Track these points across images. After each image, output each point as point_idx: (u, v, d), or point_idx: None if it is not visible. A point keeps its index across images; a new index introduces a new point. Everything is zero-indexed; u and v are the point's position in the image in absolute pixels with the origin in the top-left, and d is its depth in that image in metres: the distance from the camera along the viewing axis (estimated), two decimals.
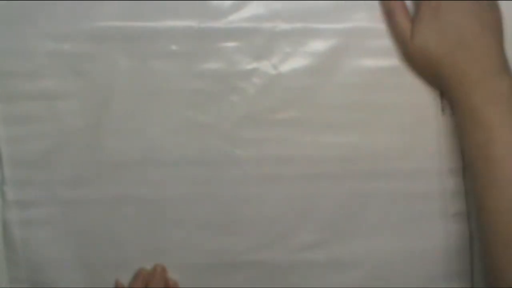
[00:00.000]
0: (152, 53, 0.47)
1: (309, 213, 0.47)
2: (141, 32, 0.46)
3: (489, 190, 0.40)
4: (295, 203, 0.47)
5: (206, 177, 0.47)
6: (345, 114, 0.46)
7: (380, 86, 0.46)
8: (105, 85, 0.47)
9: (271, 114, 0.47)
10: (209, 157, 0.47)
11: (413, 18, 0.44)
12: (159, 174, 0.47)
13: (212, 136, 0.47)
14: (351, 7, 0.46)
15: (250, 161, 0.47)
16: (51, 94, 0.47)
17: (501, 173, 0.40)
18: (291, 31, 0.46)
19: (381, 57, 0.46)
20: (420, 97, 0.46)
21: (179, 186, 0.47)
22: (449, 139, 0.46)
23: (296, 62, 0.47)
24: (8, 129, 0.47)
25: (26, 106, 0.47)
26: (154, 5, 0.46)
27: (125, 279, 0.47)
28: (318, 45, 0.46)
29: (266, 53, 0.47)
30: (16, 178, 0.47)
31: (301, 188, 0.47)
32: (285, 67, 0.47)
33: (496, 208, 0.40)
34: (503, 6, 0.44)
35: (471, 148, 0.42)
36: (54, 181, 0.47)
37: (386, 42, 0.46)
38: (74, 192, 0.47)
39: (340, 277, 0.47)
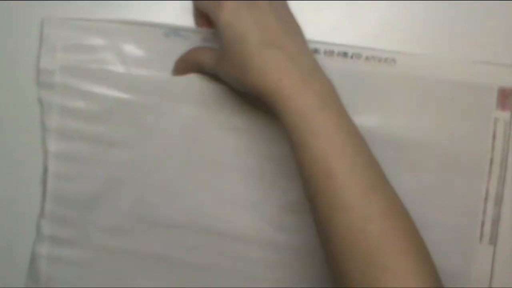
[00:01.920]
0: (217, 123, 0.47)
1: None
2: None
3: (333, 210, 0.38)
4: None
5: (242, 254, 0.47)
6: None
7: None
8: (163, 142, 0.47)
9: None
10: (248, 235, 0.48)
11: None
12: (198, 241, 0.47)
13: (255, 216, 0.48)
14: None
15: (288, 248, 0.48)
16: (107, 140, 0.47)
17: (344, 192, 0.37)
18: None
19: None
20: None
21: (213, 256, 0.48)
22: None
23: None
24: (58, 165, 0.47)
25: (80, 146, 0.47)
26: None
27: None
28: None
29: None
30: (55, 214, 0.47)
31: None
32: None
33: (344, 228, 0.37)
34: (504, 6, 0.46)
35: (305, 163, 0.39)
36: (92, 225, 0.47)
37: None
38: (110, 240, 0.47)
39: None
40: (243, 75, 0.40)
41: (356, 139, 0.39)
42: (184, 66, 0.46)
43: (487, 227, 0.48)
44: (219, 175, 0.48)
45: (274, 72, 0.39)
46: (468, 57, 0.47)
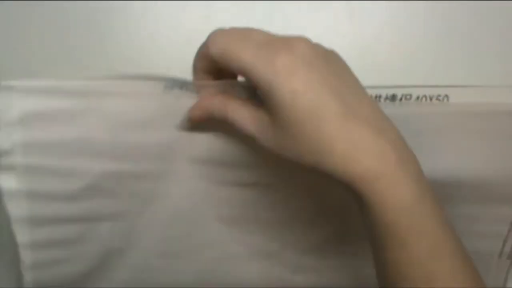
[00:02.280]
0: (231, 179, 0.38)
1: None
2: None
3: None
4: None
5: None
6: None
7: None
8: (166, 206, 0.38)
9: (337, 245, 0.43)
10: (264, 283, 0.43)
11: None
12: None
13: (271, 263, 0.42)
14: None
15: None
16: (95, 216, 0.37)
17: None
18: None
19: None
20: None
21: None
22: None
23: None
24: (36, 255, 0.36)
25: (62, 230, 0.36)
26: None
27: None
28: None
29: None
30: None
31: None
32: None
33: None
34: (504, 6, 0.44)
35: (402, 264, 0.32)
36: None
37: None
38: None
39: None
40: (320, 159, 0.30)
41: (450, 228, 0.33)
42: (204, 118, 0.34)
43: (508, 246, 0.46)
44: (233, 229, 0.40)
45: (366, 156, 0.30)
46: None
